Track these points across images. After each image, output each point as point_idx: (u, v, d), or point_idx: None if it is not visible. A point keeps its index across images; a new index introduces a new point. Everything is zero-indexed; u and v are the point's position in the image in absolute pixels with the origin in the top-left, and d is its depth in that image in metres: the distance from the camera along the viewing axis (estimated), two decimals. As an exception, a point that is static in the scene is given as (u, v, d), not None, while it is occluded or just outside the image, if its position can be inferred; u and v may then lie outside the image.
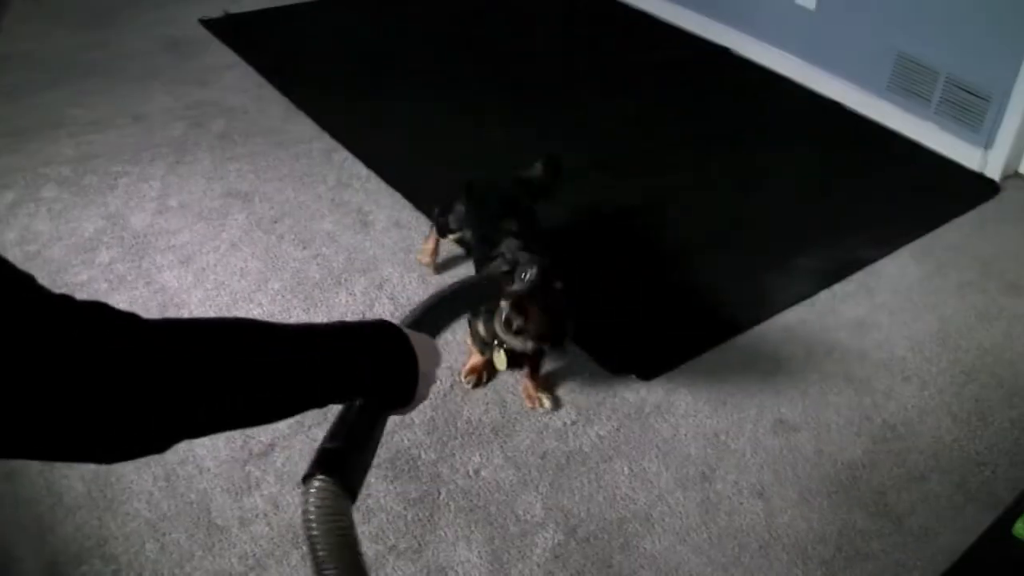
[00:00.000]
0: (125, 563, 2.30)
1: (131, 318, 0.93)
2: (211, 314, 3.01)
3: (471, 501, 2.49)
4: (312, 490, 1.04)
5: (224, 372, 0.97)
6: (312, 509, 1.03)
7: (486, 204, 3.01)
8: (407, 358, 1.16)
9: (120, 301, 3.03)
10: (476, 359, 2.81)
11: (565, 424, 2.71)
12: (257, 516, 2.42)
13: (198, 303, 3.08)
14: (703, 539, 2.42)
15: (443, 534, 2.40)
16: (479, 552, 2.36)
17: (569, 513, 2.47)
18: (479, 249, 2.90)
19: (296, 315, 3.03)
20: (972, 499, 2.53)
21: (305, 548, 1.04)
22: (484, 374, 2.84)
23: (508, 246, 2.71)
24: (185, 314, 3.01)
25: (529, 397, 2.78)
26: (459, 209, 3.04)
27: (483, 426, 2.70)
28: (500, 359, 2.65)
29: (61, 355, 0.85)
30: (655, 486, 2.55)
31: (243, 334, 1.03)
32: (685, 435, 2.70)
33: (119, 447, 0.92)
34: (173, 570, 2.29)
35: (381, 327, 1.16)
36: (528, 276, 2.48)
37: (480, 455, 2.61)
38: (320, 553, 1.01)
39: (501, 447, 2.64)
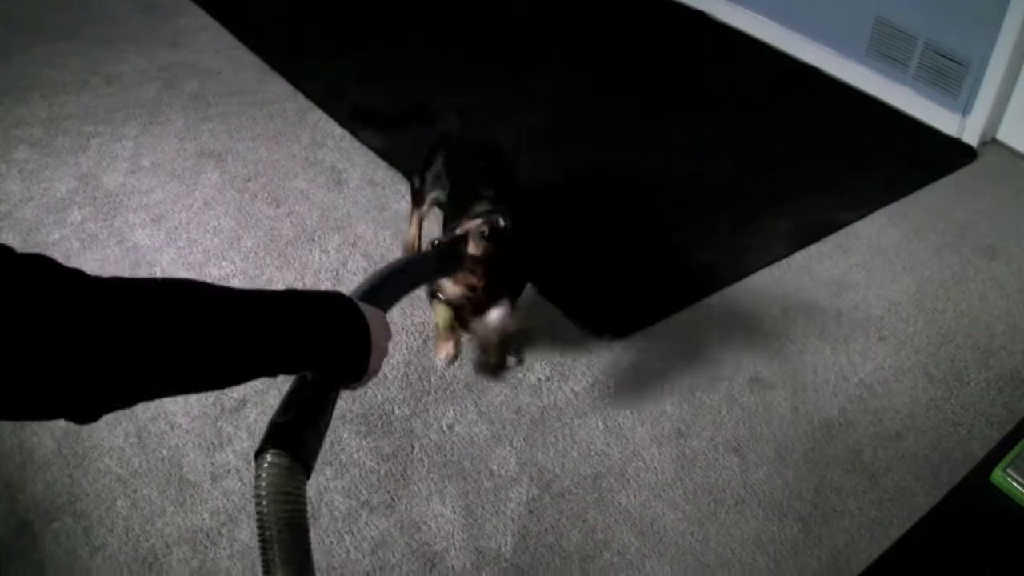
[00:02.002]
0: (96, 519, 2.28)
1: (75, 274, 0.90)
2: (183, 273, 2.99)
3: (445, 456, 2.47)
4: (265, 465, 1.02)
5: (168, 334, 0.94)
6: (265, 486, 1.01)
7: (458, 160, 2.92)
8: (360, 331, 1.14)
9: (92, 259, 3.01)
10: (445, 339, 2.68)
11: (540, 380, 2.70)
12: (229, 472, 2.41)
13: (170, 261, 3.05)
14: (678, 495, 2.41)
15: (416, 489, 2.39)
16: (452, 507, 2.35)
17: (543, 468, 2.45)
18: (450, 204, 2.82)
19: (269, 272, 3.01)
20: (948, 458, 2.53)
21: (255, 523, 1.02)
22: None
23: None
24: (157, 272, 2.99)
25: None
26: (436, 167, 2.97)
27: (457, 382, 2.68)
28: (441, 313, 2.57)
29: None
30: (630, 442, 2.54)
31: (190, 296, 1.00)
32: (660, 391, 2.69)
33: (62, 406, 0.89)
34: (144, 526, 2.27)
35: (335, 299, 1.14)
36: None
37: (454, 410, 2.60)
38: (268, 534, 0.99)
39: (475, 403, 2.62)
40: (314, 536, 2.16)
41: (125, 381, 0.92)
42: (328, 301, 1.14)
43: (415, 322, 2.85)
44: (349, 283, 2.97)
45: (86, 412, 0.91)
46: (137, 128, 3.71)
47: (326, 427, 1.14)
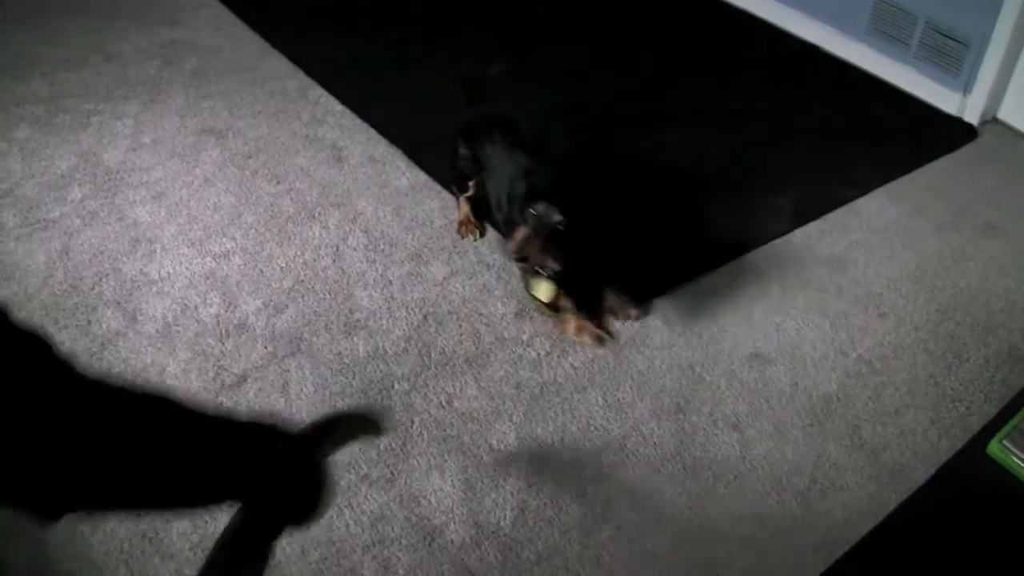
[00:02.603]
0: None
1: (66, 364, 0.90)
2: (183, 249, 3.00)
3: (444, 431, 2.48)
4: None
5: (135, 453, 0.94)
6: None
7: (486, 141, 2.94)
8: (318, 482, 1.13)
9: (92, 237, 3.02)
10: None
11: (539, 355, 2.70)
12: (229, 446, 2.41)
13: (171, 238, 3.05)
14: (678, 469, 2.42)
15: (416, 463, 2.39)
16: (452, 481, 2.35)
17: (543, 443, 2.46)
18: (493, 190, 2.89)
19: (269, 248, 3.01)
20: (946, 434, 2.53)
21: None
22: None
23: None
24: (157, 249, 3.00)
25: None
26: (463, 153, 3.00)
27: (456, 357, 2.68)
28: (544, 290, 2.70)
29: None
30: (629, 417, 2.54)
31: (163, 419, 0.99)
32: (660, 367, 2.69)
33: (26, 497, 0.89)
34: (144, 500, 2.27)
35: (301, 444, 1.13)
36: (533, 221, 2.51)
37: (454, 385, 2.60)
38: None
39: (475, 377, 2.63)
40: (314, 509, 2.19)
41: (82, 487, 0.91)
42: (281, 441, 1.13)
43: (415, 298, 2.85)
44: (349, 258, 2.98)
45: (48, 510, 0.91)
46: (137, 106, 3.71)
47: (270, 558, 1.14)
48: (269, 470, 1.09)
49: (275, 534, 1.13)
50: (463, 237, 3.05)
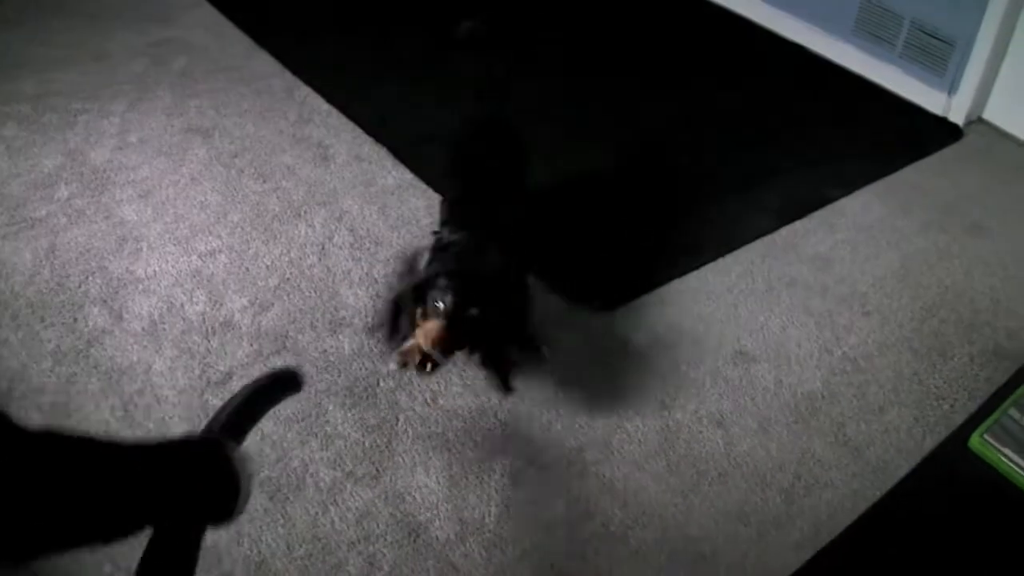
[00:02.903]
0: (81, 491, 2.28)
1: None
2: (170, 247, 3.00)
3: (429, 428, 2.48)
4: None
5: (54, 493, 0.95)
6: None
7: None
8: (231, 475, 1.14)
9: (79, 235, 3.01)
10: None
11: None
12: (214, 443, 2.41)
13: (157, 236, 3.05)
14: (662, 466, 2.42)
15: (401, 460, 2.40)
16: (437, 478, 2.36)
17: (528, 440, 2.46)
18: None
19: (255, 247, 3.01)
20: (931, 432, 2.54)
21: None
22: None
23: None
24: (144, 247, 3.00)
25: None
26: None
27: (442, 355, 2.69)
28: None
29: None
30: (614, 414, 2.55)
31: (69, 455, 1.00)
32: (645, 364, 2.70)
33: None
34: (129, 497, 2.27)
35: (206, 450, 1.13)
36: (441, 304, 2.28)
37: (438, 383, 2.60)
38: None
39: (459, 375, 2.63)
40: (298, 508, 2.21)
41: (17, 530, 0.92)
42: (198, 454, 1.13)
43: (401, 296, 2.86)
44: (335, 257, 2.98)
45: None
46: (125, 104, 3.71)
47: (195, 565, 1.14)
48: (177, 484, 1.09)
49: (196, 540, 1.14)
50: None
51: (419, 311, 2.31)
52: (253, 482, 1.22)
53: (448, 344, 2.26)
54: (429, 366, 2.31)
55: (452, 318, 2.24)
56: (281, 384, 1.62)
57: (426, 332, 2.25)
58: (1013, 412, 1.58)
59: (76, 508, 0.97)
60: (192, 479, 1.10)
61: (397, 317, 2.43)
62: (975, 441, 1.57)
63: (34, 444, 0.97)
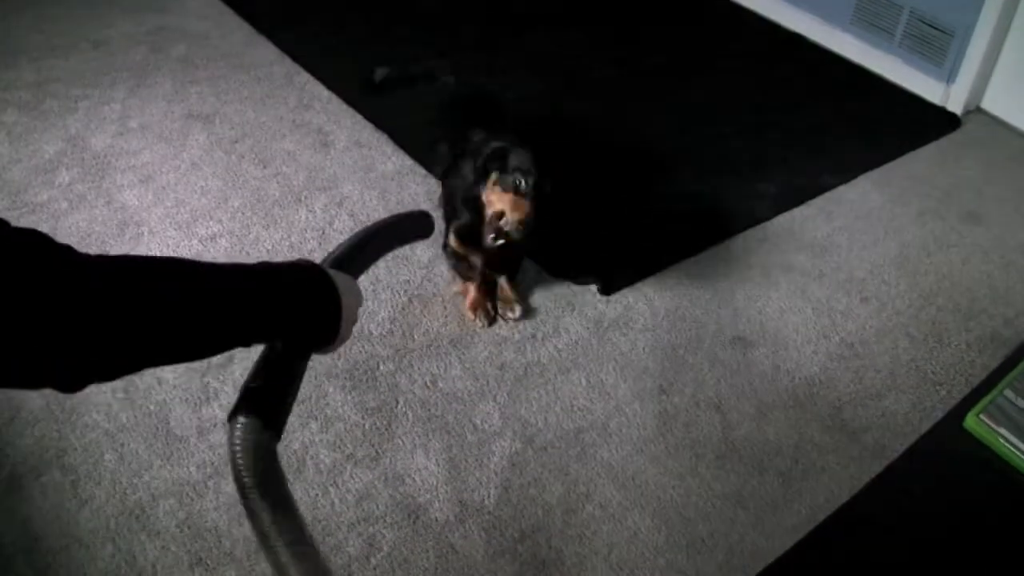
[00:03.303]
0: (84, 473, 2.29)
1: (65, 250, 0.92)
2: (171, 232, 3.00)
3: (429, 411, 2.49)
4: (237, 428, 1.05)
5: (148, 309, 0.96)
6: (238, 447, 1.04)
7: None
8: (330, 299, 1.15)
9: (80, 220, 3.02)
10: (473, 292, 2.78)
11: (523, 336, 2.72)
12: (215, 426, 2.42)
13: (158, 221, 3.05)
14: (660, 449, 2.43)
15: (401, 443, 2.41)
16: (436, 460, 2.37)
17: (527, 423, 2.48)
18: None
19: (256, 232, 3.02)
20: (927, 417, 2.56)
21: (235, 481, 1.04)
22: (490, 306, 2.79)
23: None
24: (145, 232, 3.00)
25: (506, 301, 2.80)
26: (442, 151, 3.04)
27: (441, 338, 2.70)
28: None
29: None
30: (612, 398, 2.56)
31: (170, 272, 1.01)
32: (643, 349, 2.71)
33: (48, 377, 0.91)
34: (132, 479, 2.28)
35: (304, 268, 1.15)
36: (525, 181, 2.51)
37: (438, 366, 2.62)
38: (248, 488, 1.02)
39: (459, 358, 2.64)
40: (299, 489, 2.22)
41: (107, 354, 0.94)
42: (299, 271, 1.15)
43: (400, 280, 2.87)
44: (335, 242, 2.96)
45: (71, 383, 0.93)
46: (125, 91, 3.72)
47: (296, 392, 1.16)
48: (281, 303, 1.12)
49: (302, 361, 1.16)
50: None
51: (492, 183, 2.55)
52: (359, 312, 1.23)
53: (529, 220, 2.49)
54: (500, 240, 2.53)
55: (536, 195, 2.51)
56: (411, 223, 1.63)
57: (514, 205, 2.50)
58: (1009, 393, 1.59)
59: (186, 323, 0.99)
60: (296, 299, 1.12)
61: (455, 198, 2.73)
62: (971, 421, 1.58)
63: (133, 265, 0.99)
